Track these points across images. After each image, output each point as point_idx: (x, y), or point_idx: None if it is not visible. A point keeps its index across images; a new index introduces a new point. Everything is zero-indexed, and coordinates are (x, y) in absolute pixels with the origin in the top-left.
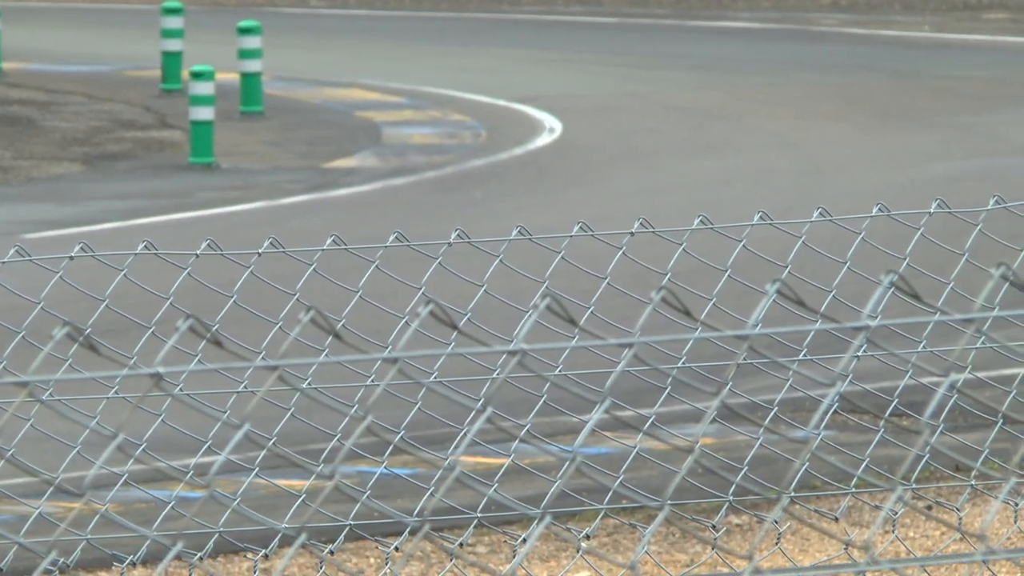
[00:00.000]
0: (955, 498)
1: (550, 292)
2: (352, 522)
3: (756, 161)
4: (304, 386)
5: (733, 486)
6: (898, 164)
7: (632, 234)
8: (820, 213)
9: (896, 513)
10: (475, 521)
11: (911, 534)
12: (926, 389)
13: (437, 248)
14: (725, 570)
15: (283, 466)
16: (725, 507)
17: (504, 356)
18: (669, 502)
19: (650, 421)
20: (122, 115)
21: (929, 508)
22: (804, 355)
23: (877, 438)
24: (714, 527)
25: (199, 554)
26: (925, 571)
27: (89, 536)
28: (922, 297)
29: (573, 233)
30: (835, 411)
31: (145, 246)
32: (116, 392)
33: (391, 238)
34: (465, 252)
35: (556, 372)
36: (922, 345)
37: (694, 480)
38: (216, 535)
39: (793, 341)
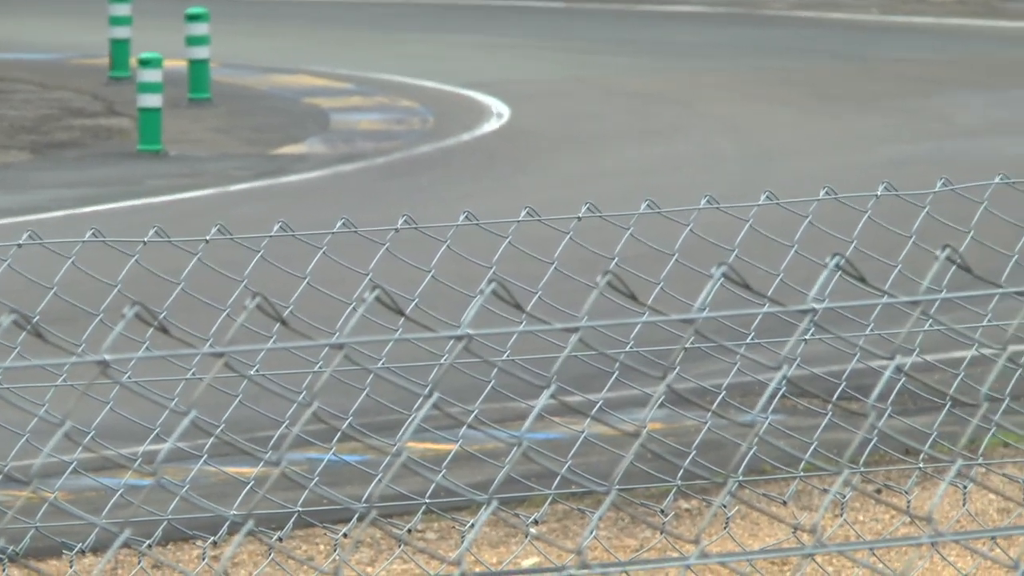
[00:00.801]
0: (904, 481)
1: (496, 277)
2: (300, 509)
3: (704, 146)
4: (251, 373)
5: (681, 471)
6: (846, 148)
7: (579, 219)
8: (767, 197)
9: (844, 497)
10: (423, 507)
11: (860, 518)
12: (875, 372)
13: (385, 234)
14: (674, 555)
15: (231, 453)
16: (673, 492)
17: (451, 342)
18: (617, 487)
19: (598, 406)
20: (70, 103)
21: (878, 491)
22: (752, 339)
23: (825, 422)
24: (663, 512)
25: (148, 541)
26: (873, 554)
27: (38, 524)
28: (869, 280)
29: (520, 218)
30: (783, 395)
31: (93, 234)
32: (64, 380)
33: (338, 224)
34: (413, 238)
35: (503, 358)
36: (869, 328)
37: (643, 465)
38: (165, 523)
39: (741, 325)
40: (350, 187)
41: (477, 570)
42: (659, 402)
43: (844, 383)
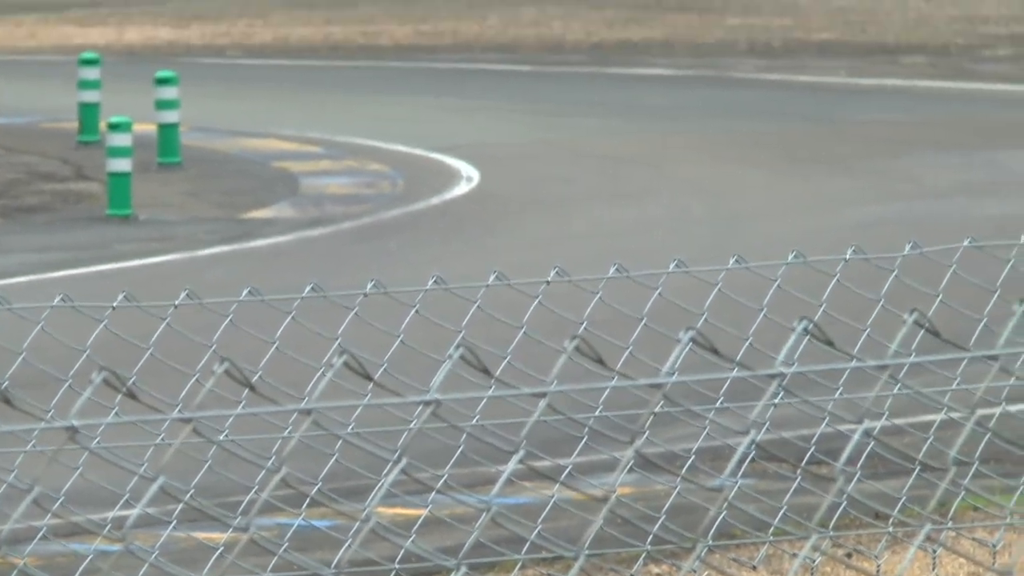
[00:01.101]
0: (874, 546)
1: (465, 342)
2: (270, 574)
3: (673, 208)
4: (220, 438)
5: (651, 535)
6: (815, 210)
7: (548, 283)
8: (736, 260)
9: (814, 561)
10: (393, 573)
11: None
12: (844, 436)
13: (354, 299)
14: None
15: (200, 519)
16: (643, 556)
17: (420, 407)
18: (586, 552)
19: (567, 471)
20: (39, 167)
21: (848, 556)
22: (721, 403)
23: (794, 486)
24: None
25: None
26: None
27: None
28: (837, 344)
29: (489, 282)
30: (753, 459)
31: (62, 299)
32: (33, 445)
33: (307, 289)
34: (382, 302)
35: (472, 423)
36: (839, 392)
37: (612, 530)
38: None
39: (710, 389)
40: (319, 251)
41: None
42: (628, 467)
43: (813, 447)
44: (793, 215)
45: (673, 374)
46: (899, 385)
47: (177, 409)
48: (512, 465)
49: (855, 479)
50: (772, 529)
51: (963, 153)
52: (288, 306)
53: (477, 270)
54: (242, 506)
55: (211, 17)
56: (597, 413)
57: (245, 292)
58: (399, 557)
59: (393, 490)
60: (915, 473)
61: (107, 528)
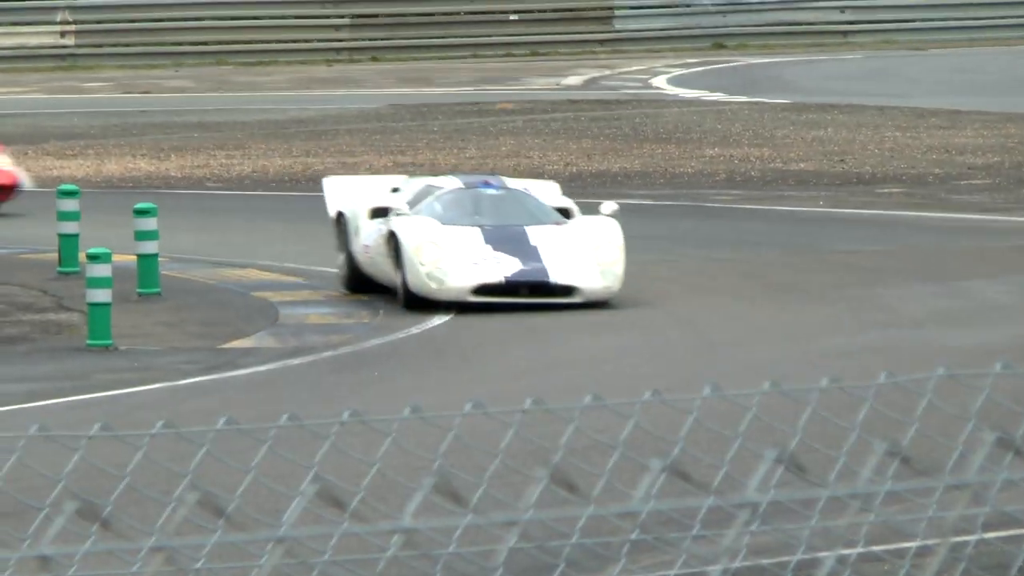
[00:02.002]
0: None
1: (441, 470)
2: None
3: (650, 337)
4: (197, 567)
5: None
6: (791, 338)
7: (524, 411)
8: (712, 388)
9: None
10: None
11: None
12: (820, 563)
13: (331, 427)
14: None
15: None
16: None
17: (395, 535)
18: None
19: None
20: (18, 298)
21: None
22: (697, 531)
23: None
24: None
25: None
26: None
27: None
28: (813, 471)
29: (465, 411)
30: None
31: (39, 428)
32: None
33: (283, 418)
34: (360, 431)
35: (448, 551)
36: (814, 520)
37: None
38: None
39: (687, 517)
40: (299, 381)
41: None
42: None
43: (790, 575)
44: (769, 343)
45: (649, 502)
46: (873, 513)
47: (153, 538)
48: None
49: None
50: None
51: (938, 283)
52: (265, 435)
53: (456, 399)
54: None
55: (190, 149)
56: (573, 541)
57: (222, 421)
58: None
59: None
60: None
61: None
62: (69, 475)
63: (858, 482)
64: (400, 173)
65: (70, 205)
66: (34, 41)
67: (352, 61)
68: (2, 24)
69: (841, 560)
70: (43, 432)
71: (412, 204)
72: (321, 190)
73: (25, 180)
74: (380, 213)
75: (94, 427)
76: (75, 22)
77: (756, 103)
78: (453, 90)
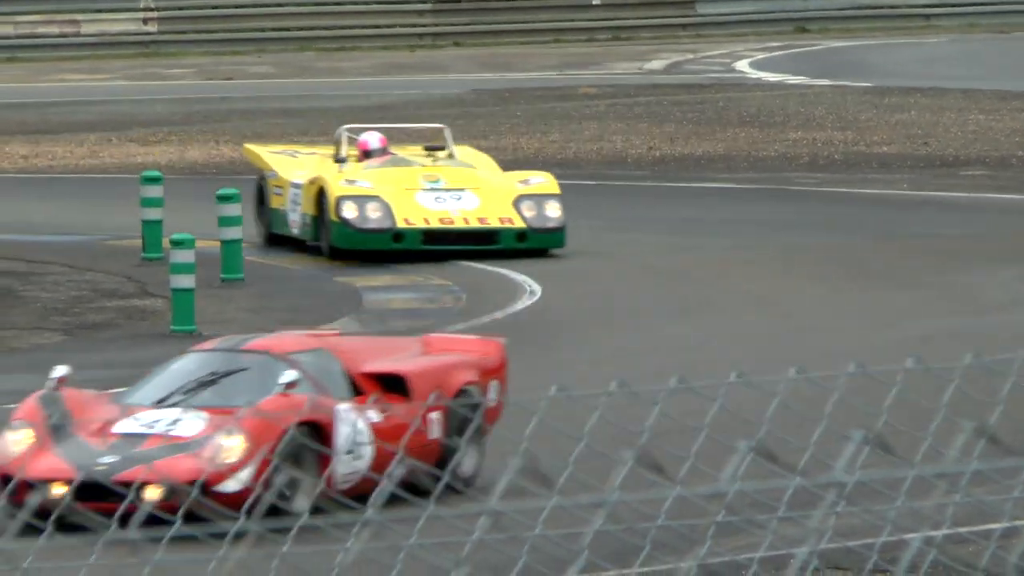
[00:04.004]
0: None
1: (527, 454)
2: None
3: (734, 322)
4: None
5: None
6: (876, 322)
7: (609, 394)
8: (797, 371)
9: None
10: None
11: None
12: (907, 544)
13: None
14: None
15: None
16: None
17: (481, 517)
18: None
19: None
20: (103, 284)
21: None
22: (783, 512)
23: None
24: None
25: None
26: None
27: None
28: (898, 452)
29: (551, 394)
30: (815, 568)
31: None
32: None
33: (370, 400)
34: None
35: (534, 533)
36: (900, 500)
37: None
38: None
39: (773, 498)
40: None
41: None
42: None
43: (876, 555)
44: (853, 328)
45: (735, 483)
46: (959, 493)
47: (239, 522)
48: (573, 574)
49: None
50: None
51: (1023, 265)
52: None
53: (541, 383)
54: None
55: (272, 135)
56: (659, 523)
57: (307, 405)
58: None
59: None
60: None
61: None
62: None
63: (945, 462)
64: None
65: (154, 192)
66: (117, 28)
67: (435, 46)
68: (86, 12)
69: (927, 541)
70: None
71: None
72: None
73: None
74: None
75: None
76: (158, 9)
77: (839, 86)
78: (536, 75)
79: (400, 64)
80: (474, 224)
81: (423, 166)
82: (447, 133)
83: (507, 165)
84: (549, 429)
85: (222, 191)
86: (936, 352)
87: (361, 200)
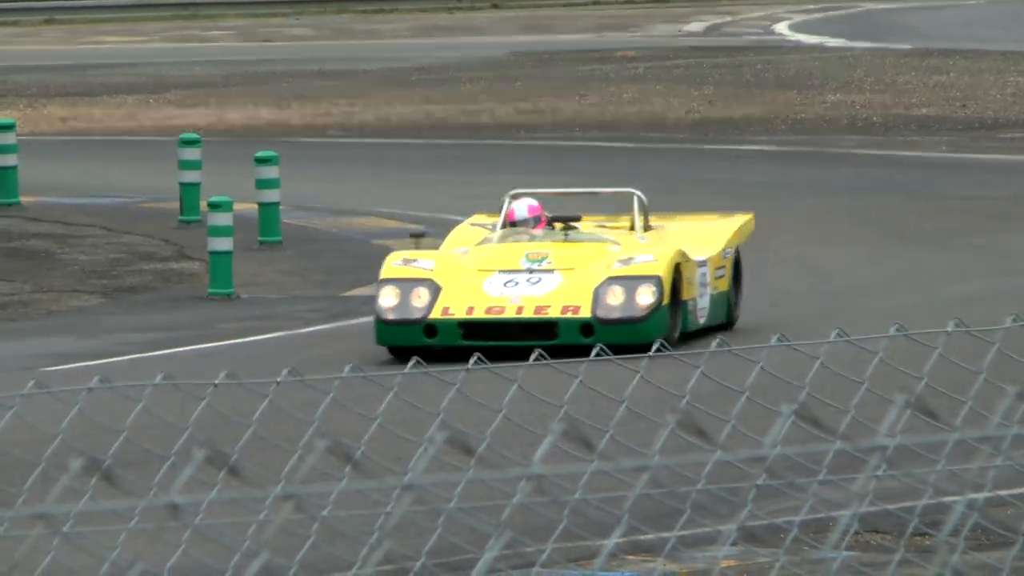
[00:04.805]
0: None
1: (567, 417)
2: None
3: (774, 283)
4: (323, 514)
5: None
6: (916, 285)
7: (650, 357)
8: (838, 334)
9: None
10: None
11: None
12: (947, 508)
13: (455, 375)
14: None
15: None
16: None
17: (522, 481)
18: None
19: (670, 544)
20: (140, 247)
21: None
22: (824, 476)
23: (898, 557)
24: None
25: None
26: None
27: None
28: (939, 416)
29: (590, 358)
30: (856, 531)
31: (163, 377)
32: (136, 523)
33: (409, 365)
34: (485, 378)
35: (575, 497)
36: (941, 464)
37: None
38: None
39: (813, 462)
40: None
41: None
42: (731, 540)
43: (917, 519)
44: (894, 290)
45: (776, 447)
46: (1002, 457)
47: (280, 486)
48: (615, 539)
49: (959, 551)
50: None
51: None
52: (390, 382)
53: (579, 348)
54: None
55: (311, 97)
56: (699, 487)
57: (347, 369)
58: None
59: (497, 564)
60: (1019, 544)
61: None
62: (194, 424)
63: (988, 426)
64: (522, 120)
65: (192, 154)
66: None
67: (473, 9)
68: None
69: (969, 504)
70: (168, 381)
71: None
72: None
73: None
74: None
75: (220, 375)
76: None
77: (877, 49)
78: (574, 37)
79: (438, 26)
80: (528, 314)
81: (542, 241)
82: (637, 200)
83: (545, 127)
84: (589, 393)
85: (260, 153)
86: (978, 313)
87: (407, 284)
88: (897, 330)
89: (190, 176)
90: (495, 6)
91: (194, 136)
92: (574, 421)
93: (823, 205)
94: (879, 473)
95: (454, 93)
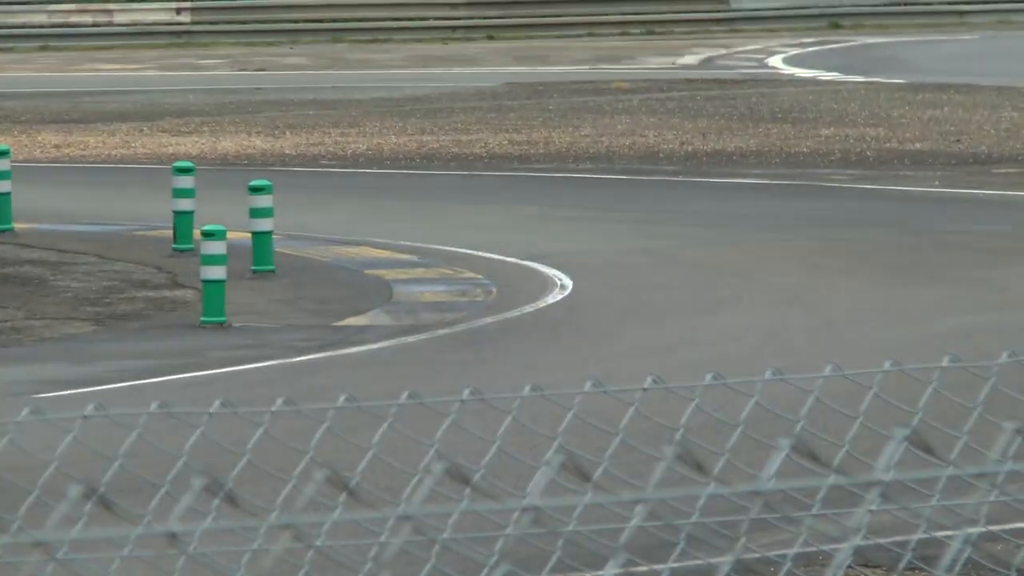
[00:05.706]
0: None
1: (562, 449)
2: None
3: (767, 317)
4: (318, 543)
5: None
6: (909, 319)
7: (644, 390)
8: (832, 368)
9: None
10: None
11: None
12: (941, 543)
13: (450, 405)
14: None
15: None
16: None
17: (518, 513)
18: None
19: None
20: (133, 275)
21: None
22: (817, 510)
23: None
24: None
25: None
26: None
27: None
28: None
29: (586, 389)
30: (849, 566)
31: (159, 405)
32: (130, 551)
33: (404, 396)
34: (478, 410)
35: (569, 528)
36: (936, 499)
37: None
38: None
39: (807, 495)
40: (414, 358)
41: None
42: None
43: (910, 554)
44: (887, 323)
45: (771, 480)
46: (996, 492)
47: (274, 514)
48: (609, 571)
49: None
50: None
51: None
52: (385, 412)
53: (573, 378)
54: None
55: (305, 126)
56: (695, 519)
57: (342, 399)
58: None
59: None
60: None
61: None
62: (189, 452)
63: (984, 462)
64: (515, 151)
65: (185, 182)
66: (150, 18)
67: (468, 39)
68: (119, 1)
69: (964, 539)
70: (164, 408)
71: None
72: (433, 167)
73: None
74: None
75: (215, 403)
76: None
77: (872, 83)
78: (568, 69)
79: (433, 56)
80: None
81: None
82: None
83: (539, 158)
84: (584, 424)
85: (254, 182)
86: (971, 348)
87: None
88: (892, 364)
89: (184, 204)
90: (490, 37)
91: (188, 164)
92: (569, 453)
93: (816, 238)
94: (873, 507)
95: (448, 123)
